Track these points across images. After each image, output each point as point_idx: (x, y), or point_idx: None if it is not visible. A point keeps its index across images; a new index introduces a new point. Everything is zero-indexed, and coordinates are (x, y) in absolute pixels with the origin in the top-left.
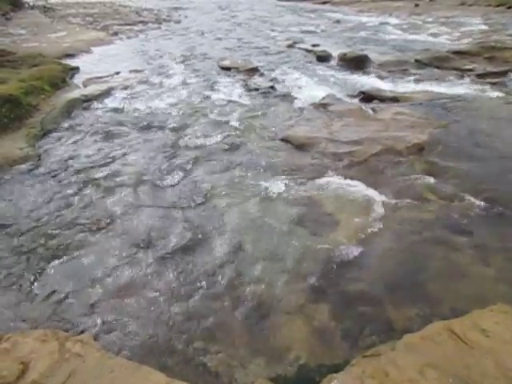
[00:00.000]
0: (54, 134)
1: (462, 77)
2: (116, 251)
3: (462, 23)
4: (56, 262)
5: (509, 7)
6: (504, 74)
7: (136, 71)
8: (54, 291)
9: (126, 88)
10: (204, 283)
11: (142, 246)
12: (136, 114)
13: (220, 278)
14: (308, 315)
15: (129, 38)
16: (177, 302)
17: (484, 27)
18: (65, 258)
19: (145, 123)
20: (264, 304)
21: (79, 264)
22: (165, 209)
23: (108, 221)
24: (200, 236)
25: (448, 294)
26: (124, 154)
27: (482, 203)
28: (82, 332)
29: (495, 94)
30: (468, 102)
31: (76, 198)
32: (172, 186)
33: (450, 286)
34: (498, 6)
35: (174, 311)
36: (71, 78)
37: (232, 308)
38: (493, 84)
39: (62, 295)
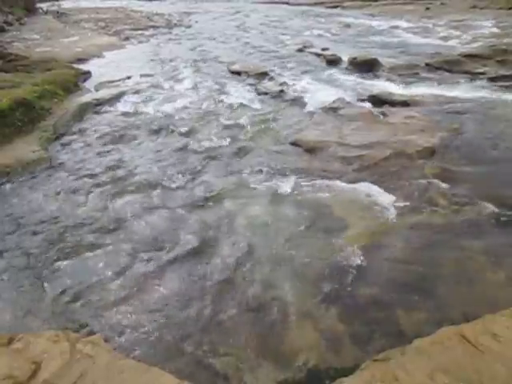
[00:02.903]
0: (66, 138)
1: (473, 80)
2: (126, 253)
3: (473, 26)
4: (67, 262)
5: None
6: None
7: (147, 75)
8: (65, 292)
9: (137, 92)
10: (213, 286)
11: (151, 247)
12: (147, 118)
13: (229, 281)
14: (317, 319)
15: (140, 42)
16: (186, 304)
17: (496, 30)
18: (76, 259)
19: (155, 127)
20: (273, 307)
21: (90, 265)
22: (175, 211)
23: (119, 223)
24: (209, 238)
25: (459, 298)
26: (134, 157)
27: (494, 208)
28: (93, 333)
29: (507, 97)
30: (479, 105)
31: (87, 200)
32: (182, 188)
33: (461, 291)
34: (509, 8)
35: (184, 314)
36: (83, 82)
37: (241, 311)
38: (505, 87)
39: (73, 296)
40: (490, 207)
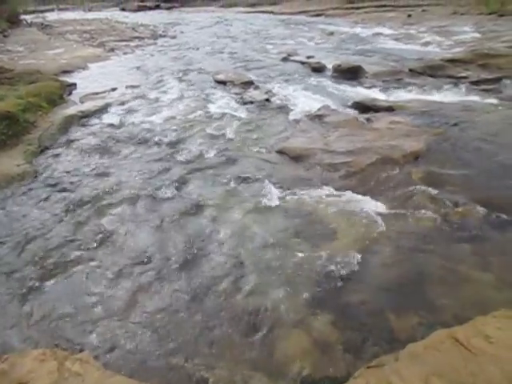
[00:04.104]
0: (52, 151)
1: (456, 84)
2: (113, 268)
3: (454, 32)
4: (54, 279)
5: (500, 15)
6: (498, 80)
7: (132, 87)
8: (52, 309)
9: (122, 103)
10: (202, 298)
11: (139, 261)
12: (132, 129)
13: (218, 292)
14: (309, 327)
15: (125, 53)
16: (175, 317)
17: (477, 35)
18: (62, 275)
19: (141, 138)
20: (264, 317)
21: (77, 281)
22: (161, 223)
23: (105, 237)
24: (197, 250)
25: (450, 301)
26: (120, 170)
27: (481, 210)
28: (81, 351)
29: (490, 100)
30: (463, 109)
31: (73, 214)
32: (168, 200)
33: (452, 294)
34: (489, 14)
35: (173, 327)
36: (68, 94)
37: (232, 323)
38: (487, 91)
39: (60, 313)
40: (478, 209)
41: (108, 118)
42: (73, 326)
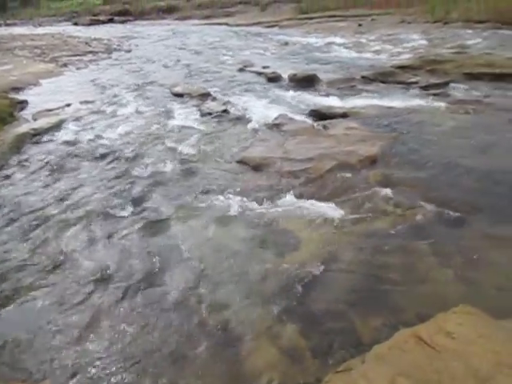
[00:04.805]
0: (4, 172)
1: (407, 90)
2: (73, 290)
3: (403, 39)
4: (8, 307)
5: (445, 23)
6: (445, 84)
7: (87, 102)
8: (6, 340)
9: (77, 120)
10: (167, 314)
11: (99, 281)
12: (89, 146)
13: (183, 307)
14: (276, 337)
15: (79, 68)
16: (139, 337)
17: (424, 42)
18: (17, 302)
19: (98, 154)
20: (230, 330)
21: (35, 307)
22: (121, 241)
23: (63, 258)
24: (160, 265)
25: (412, 300)
26: (77, 188)
27: (436, 209)
28: (42, 379)
29: (438, 104)
30: (414, 113)
31: (28, 237)
32: (127, 217)
33: (414, 293)
34: (435, 22)
35: (137, 348)
36: (19, 111)
37: (198, 338)
38: (436, 95)
39: (18, 342)
40: (433, 208)
41: (63, 135)
42: (32, 355)
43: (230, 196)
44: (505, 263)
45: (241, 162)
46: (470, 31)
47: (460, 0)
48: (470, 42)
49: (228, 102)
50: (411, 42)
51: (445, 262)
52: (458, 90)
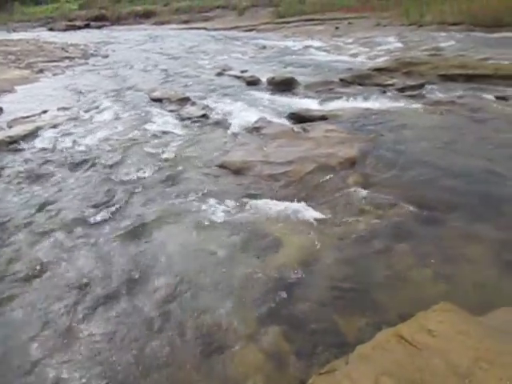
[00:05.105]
0: None
1: (384, 92)
2: (51, 300)
3: (379, 42)
4: None
5: (420, 25)
6: (421, 86)
7: (65, 108)
8: None
9: (54, 126)
10: (149, 321)
11: (79, 291)
12: (67, 153)
13: (166, 313)
14: (260, 341)
15: (55, 74)
16: (122, 347)
17: (399, 45)
18: None
19: (76, 161)
20: (213, 336)
21: (11, 320)
22: (101, 247)
23: (40, 268)
24: (141, 272)
25: (393, 299)
26: (55, 195)
27: (414, 209)
28: None
29: (415, 105)
30: (392, 114)
31: (4, 247)
32: (108, 223)
33: (395, 292)
34: (410, 25)
35: (120, 357)
36: None
37: (181, 345)
38: (412, 96)
39: None
40: (411, 208)
41: (39, 142)
42: (10, 368)
43: (211, 200)
44: (480, 260)
45: (221, 166)
46: (444, 34)
47: (434, 3)
48: (444, 44)
49: (207, 107)
50: (387, 45)
51: (423, 260)
52: (434, 92)
